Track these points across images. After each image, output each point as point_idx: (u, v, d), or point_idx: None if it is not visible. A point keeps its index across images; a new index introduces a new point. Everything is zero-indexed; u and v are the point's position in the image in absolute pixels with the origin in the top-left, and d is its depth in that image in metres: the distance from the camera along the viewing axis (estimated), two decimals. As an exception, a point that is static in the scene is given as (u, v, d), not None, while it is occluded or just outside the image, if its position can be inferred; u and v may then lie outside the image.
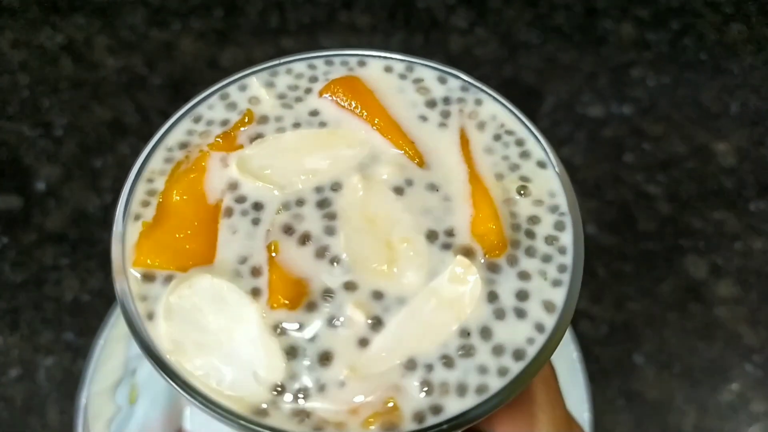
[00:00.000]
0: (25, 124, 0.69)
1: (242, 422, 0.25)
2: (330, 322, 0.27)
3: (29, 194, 0.65)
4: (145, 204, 0.30)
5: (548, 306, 0.28)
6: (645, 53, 0.76)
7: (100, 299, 0.60)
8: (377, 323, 0.27)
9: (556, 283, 0.29)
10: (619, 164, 0.69)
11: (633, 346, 0.59)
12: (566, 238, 0.30)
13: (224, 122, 0.33)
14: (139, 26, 0.76)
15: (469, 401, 0.26)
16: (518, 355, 0.27)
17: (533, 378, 0.27)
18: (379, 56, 0.35)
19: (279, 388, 0.26)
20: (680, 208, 0.66)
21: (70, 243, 0.63)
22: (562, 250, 0.30)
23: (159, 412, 0.50)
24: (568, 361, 0.55)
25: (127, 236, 0.29)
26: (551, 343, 0.27)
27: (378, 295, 0.28)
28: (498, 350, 0.27)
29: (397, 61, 0.35)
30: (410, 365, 0.27)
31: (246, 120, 0.33)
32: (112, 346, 0.54)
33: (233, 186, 0.31)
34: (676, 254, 0.64)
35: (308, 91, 0.34)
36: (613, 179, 0.67)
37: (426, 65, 0.35)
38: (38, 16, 0.77)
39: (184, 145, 0.32)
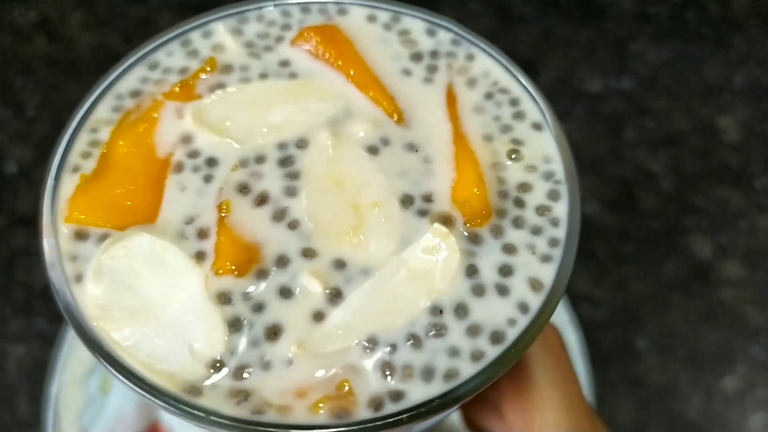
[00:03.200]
0: (-4, 104, 0.65)
1: (171, 401, 0.22)
2: (282, 292, 0.24)
3: (-1, 177, 0.62)
4: (86, 156, 0.27)
5: (535, 284, 0.25)
6: (645, 26, 0.73)
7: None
8: (336, 295, 0.24)
9: (546, 259, 0.25)
10: (619, 141, 0.66)
11: (635, 330, 0.57)
12: (560, 208, 0.26)
13: (183, 70, 0.30)
14: (116, 1, 0.71)
15: (436, 388, 0.22)
16: (496, 337, 0.23)
17: (510, 366, 0.23)
18: (362, 4, 0.32)
19: (217, 364, 0.23)
20: (683, 186, 0.63)
21: (42, 227, 0.59)
22: (554, 222, 0.26)
23: (133, 403, 0.47)
24: (567, 346, 0.53)
25: (61, 189, 0.26)
26: (535, 326, 0.24)
27: (340, 264, 0.25)
28: (473, 331, 0.24)
29: (382, 10, 0.32)
30: (371, 344, 0.23)
31: (207, 68, 0.29)
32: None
33: (187, 139, 0.27)
34: (679, 233, 0.61)
35: (279, 39, 0.31)
36: (613, 156, 0.65)
37: (414, 16, 0.32)
38: (10, -9, 0.72)
39: (136, 94, 0.29)
